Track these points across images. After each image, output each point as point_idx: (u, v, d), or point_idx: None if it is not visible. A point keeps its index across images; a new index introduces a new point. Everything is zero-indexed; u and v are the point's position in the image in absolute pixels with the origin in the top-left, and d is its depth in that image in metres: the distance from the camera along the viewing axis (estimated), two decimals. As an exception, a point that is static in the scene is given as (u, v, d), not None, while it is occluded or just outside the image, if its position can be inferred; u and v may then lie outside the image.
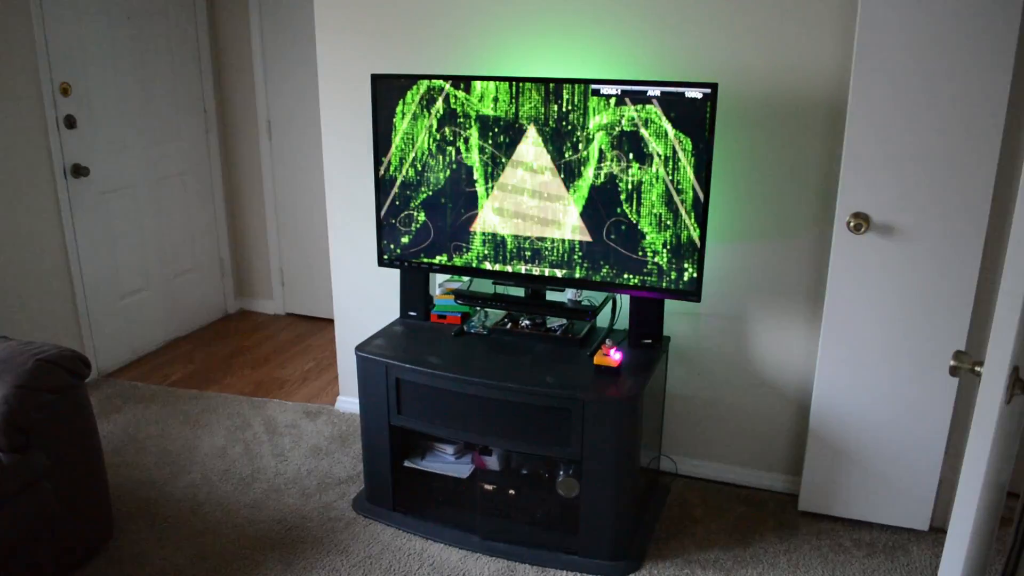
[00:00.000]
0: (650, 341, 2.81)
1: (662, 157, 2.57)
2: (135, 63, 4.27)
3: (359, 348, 2.84)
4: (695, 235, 2.59)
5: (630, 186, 2.62)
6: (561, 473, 2.72)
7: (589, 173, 2.66)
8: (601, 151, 2.63)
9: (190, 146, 4.71)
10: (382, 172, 2.93)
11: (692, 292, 2.66)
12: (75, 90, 3.92)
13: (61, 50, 3.82)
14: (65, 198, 3.91)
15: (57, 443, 2.54)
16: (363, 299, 3.59)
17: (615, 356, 2.62)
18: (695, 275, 2.63)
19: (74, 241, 3.98)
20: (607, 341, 2.68)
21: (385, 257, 3.02)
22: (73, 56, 3.90)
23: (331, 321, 4.53)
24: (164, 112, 4.49)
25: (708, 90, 2.49)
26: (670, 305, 2.98)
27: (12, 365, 2.48)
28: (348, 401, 3.78)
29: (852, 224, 2.59)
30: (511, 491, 2.86)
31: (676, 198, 2.58)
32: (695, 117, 2.51)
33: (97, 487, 2.72)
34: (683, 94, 2.51)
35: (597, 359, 2.63)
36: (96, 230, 4.12)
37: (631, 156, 2.60)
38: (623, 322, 2.98)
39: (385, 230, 2.98)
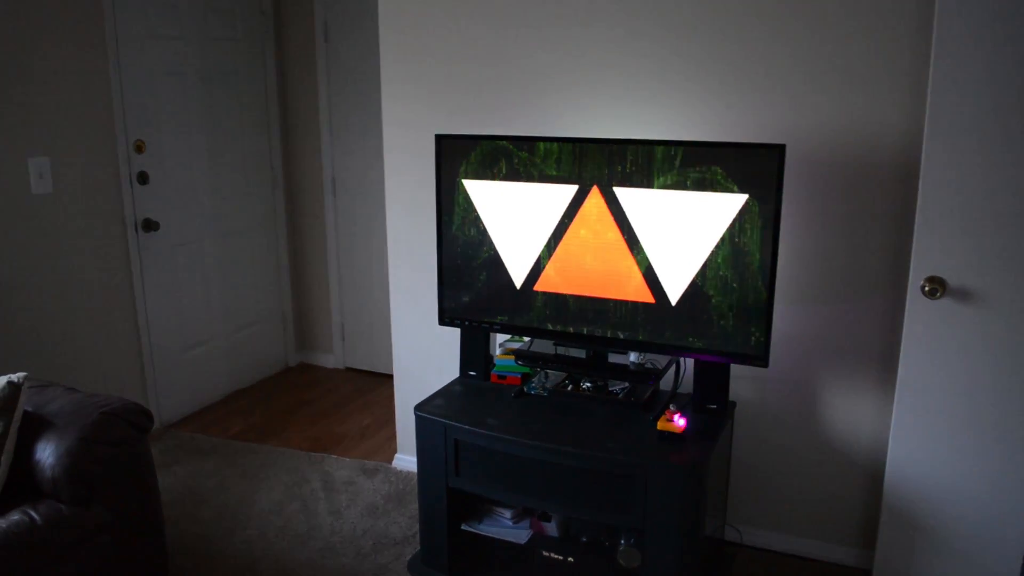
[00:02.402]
0: (715, 406, 2.74)
1: (728, 218, 2.52)
2: (206, 122, 4.39)
3: (418, 408, 2.81)
4: (762, 298, 2.53)
5: (695, 247, 2.57)
6: (622, 542, 2.65)
7: (654, 234, 2.62)
8: (666, 212, 2.59)
9: (257, 202, 4.81)
10: (444, 231, 2.93)
11: (759, 356, 2.58)
12: (149, 147, 4.03)
13: (136, 109, 3.95)
14: (135, 252, 4.00)
15: (117, 496, 2.55)
16: (423, 357, 3.58)
17: (679, 422, 2.55)
18: (762, 339, 2.56)
19: (142, 293, 4.06)
20: (671, 406, 2.61)
21: (446, 316, 3.01)
22: (148, 115, 4.02)
23: (390, 376, 4.52)
24: (233, 169, 4.60)
25: (775, 151, 2.44)
26: (735, 369, 2.90)
27: (77, 417, 2.51)
28: (406, 459, 3.75)
29: (927, 288, 2.50)
30: (570, 559, 2.79)
31: (743, 260, 2.52)
32: (762, 178, 2.46)
33: (155, 541, 2.72)
34: (750, 155, 2.47)
35: (661, 424, 2.56)
36: (164, 283, 4.20)
37: (696, 217, 2.56)
38: (687, 386, 2.90)
39: (447, 289, 2.98)
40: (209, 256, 4.51)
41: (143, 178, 4.02)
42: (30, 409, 2.56)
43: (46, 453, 2.44)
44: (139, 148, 3.99)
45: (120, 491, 2.56)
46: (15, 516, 2.34)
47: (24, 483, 2.46)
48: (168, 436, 4.12)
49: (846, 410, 2.91)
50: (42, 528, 2.33)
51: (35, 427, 2.50)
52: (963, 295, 2.49)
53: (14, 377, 2.47)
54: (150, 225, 4.06)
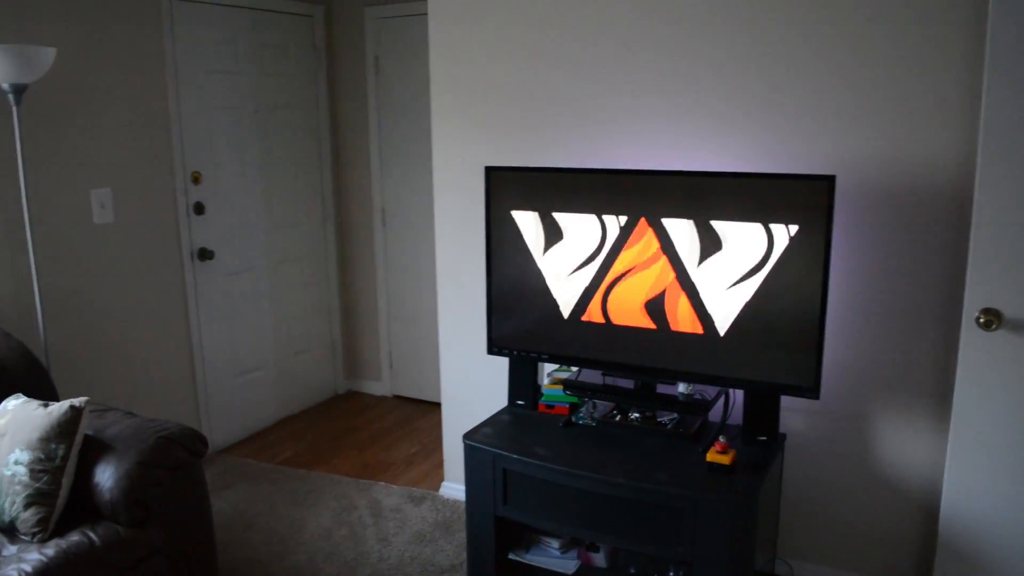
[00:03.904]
0: (765, 438, 2.71)
1: (778, 249, 2.51)
2: (260, 154, 4.50)
3: (467, 436, 2.83)
4: (813, 329, 2.51)
5: (745, 278, 2.57)
6: (671, 574, 2.63)
7: (703, 265, 2.62)
8: (715, 243, 2.59)
9: (308, 232, 4.90)
10: (494, 261, 2.96)
11: (810, 388, 2.56)
12: (205, 179, 4.14)
13: (194, 142, 4.07)
14: (191, 280, 4.10)
15: (172, 519, 2.60)
16: (471, 385, 3.60)
17: (729, 453, 2.53)
18: (812, 370, 2.54)
19: (197, 321, 4.16)
20: (720, 437, 2.59)
21: (495, 345, 3.03)
22: (204, 147, 4.14)
23: (437, 405, 4.56)
24: (285, 199, 4.70)
25: (825, 182, 2.43)
26: (785, 401, 2.87)
27: (135, 441, 2.57)
28: (453, 487, 3.76)
29: (982, 320, 2.47)
30: (618, 590, 2.78)
31: (792, 291, 2.51)
32: (812, 209, 2.45)
33: (208, 565, 2.76)
34: (799, 186, 2.47)
35: (710, 456, 2.55)
36: (218, 311, 4.30)
37: (746, 248, 2.55)
38: (736, 417, 2.89)
39: (495, 318, 3.00)
40: (262, 285, 4.60)
41: (199, 208, 4.13)
42: (91, 433, 2.62)
43: (105, 476, 2.50)
44: (196, 179, 4.10)
45: (175, 514, 2.61)
46: (75, 537, 2.40)
47: (84, 504, 2.52)
48: (219, 461, 4.19)
49: (899, 443, 2.86)
50: (100, 549, 2.39)
51: (95, 450, 2.57)
52: (1020, 327, 2.45)
53: (76, 401, 2.54)
54: (205, 254, 4.16)
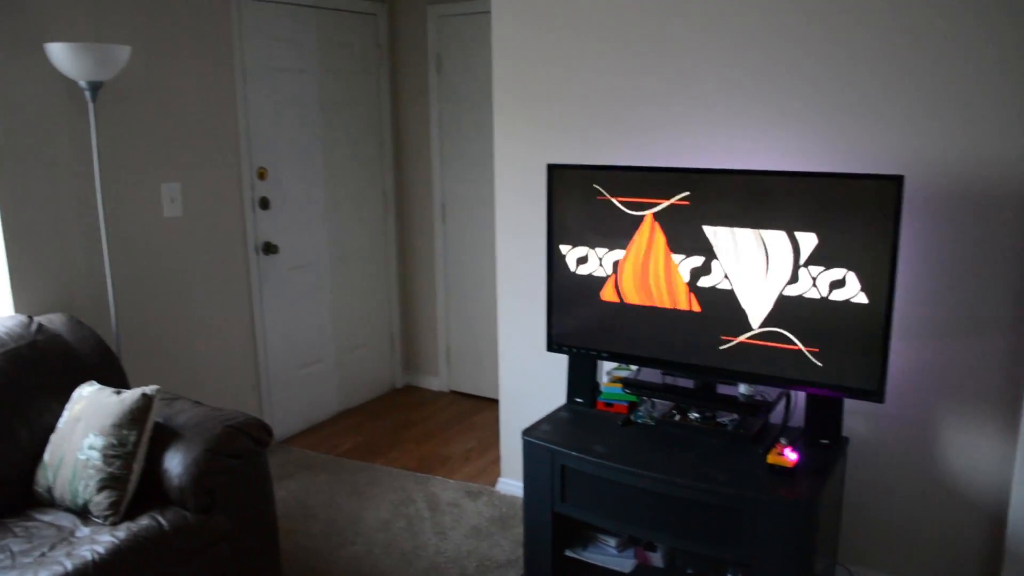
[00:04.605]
0: (827, 441, 2.68)
1: (843, 251, 2.47)
2: (324, 150, 4.57)
3: (526, 432, 2.85)
4: (878, 331, 2.46)
5: (809, 280, 2.54)
6: (729, 576, 2.61)
7: (766, 266, 2.60)
8: (779, 244, 2.56)
9: (369, 227, 4.97)
10: (555, 259, 2.97)
11: (874, 392, 2.52)
12: (270, 174, 4.23)
13: (260, 138, 4.15)
14: (256, 273, 4.18)
15: (237, 506, 2.67)
16: (529, 382, 3.62)
17: (790, 456, 2.50)
18: (878, 374, 2.50)
19: (261, 314, 4.24)
20: (781, 439, 2.57)
21: (554, 343, 3.04)
22: (270, 143, 4.22)
23: (494, 401, 4.59)
24: (347, 195, 4.77)
25: (893, 182, 2.39)
26: (848, 404, 2.83)
27: (203, 429, 2.64)
28: (509, 483, 3.78)
29: (1056, 326, 2.41)
30: (674, 590, 2.77)
31: (858, 292, 2.47)
32: (879, 209, 2.41)
33: (270, 552, 2.83)
34: (867, 185, 2.42)
35: (771, 458, 2.52)
36: (281, 304, 4.38)
37: (810, 249, 2.52)
38: (798, 419, 2.85)
39: (555, 315, 3.01)
40: (324, 279, 4.67)
41: (264, 203, 4.21)
42: (160, 420, 2.70)
43: (174, 462, 2.57)
44: (261, 175, 4.18)
45: (240, 502, 2.68)
46: (145, 520, 2.48)
47: (153, 490, 2.60)
48: (281, 451, 4.27)
49: (966, 449, 2.80)
50: (169, 533, 2.46)
51: (164, 437, 2.64)
52: (1096, 334, 2.38)
53: (148, 390, 2.62)
54: (270, 248, 4.25)
